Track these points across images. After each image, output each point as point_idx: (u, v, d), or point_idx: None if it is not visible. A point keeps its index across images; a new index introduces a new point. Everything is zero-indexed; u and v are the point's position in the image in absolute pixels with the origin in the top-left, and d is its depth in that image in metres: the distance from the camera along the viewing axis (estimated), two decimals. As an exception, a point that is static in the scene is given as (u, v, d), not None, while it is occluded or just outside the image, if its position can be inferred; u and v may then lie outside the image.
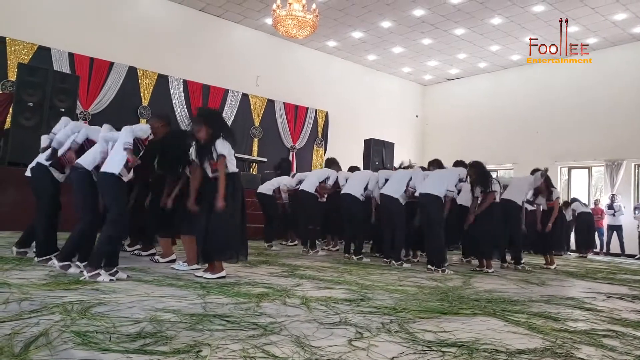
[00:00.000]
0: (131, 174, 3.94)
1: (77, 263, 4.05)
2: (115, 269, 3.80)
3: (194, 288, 3.55)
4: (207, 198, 4.09)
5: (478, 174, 6.21)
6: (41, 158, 4.38)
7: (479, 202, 6.27)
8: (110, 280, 3.65)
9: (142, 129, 4.01)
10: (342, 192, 6.77)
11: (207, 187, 4.16)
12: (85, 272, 3.67)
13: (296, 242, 8.35)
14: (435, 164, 6.71)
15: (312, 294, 3.59)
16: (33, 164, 4.46)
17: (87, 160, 3.99)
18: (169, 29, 12.44)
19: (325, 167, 7.84)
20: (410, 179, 6.21)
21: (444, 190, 5.79)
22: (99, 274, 3.65)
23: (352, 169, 8.01)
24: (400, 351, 2.23)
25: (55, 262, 4.06)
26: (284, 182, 8.00)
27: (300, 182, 7.60)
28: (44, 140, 4.56)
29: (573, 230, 11.16)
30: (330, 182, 7.16)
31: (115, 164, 3.79)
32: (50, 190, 4.33)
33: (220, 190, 3.94)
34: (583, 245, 11.28)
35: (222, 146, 4.03)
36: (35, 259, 4.30)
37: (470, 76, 17.03)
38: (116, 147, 3.89)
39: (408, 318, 2.95)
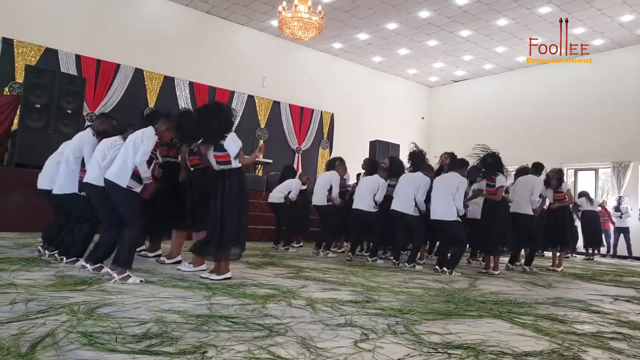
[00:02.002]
0: (148, 173, 3.92)
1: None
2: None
3: (200, 289, 3.56)
4: (215, 193, 4.13)
5: (484, 165, 6.45)
6: (74, 188, 4.38)
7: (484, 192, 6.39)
8: (140, 281, 3.71)
9: (148, 145, 3.85)
10: (353, 206, 6.75)
11: (214, 181, 4.19)
12: (115, 275, 3.71)
13: (301, 243, 8.33)
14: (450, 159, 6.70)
15: (318, 296, 3.59)
16: (65, 189, 4.44)
17: (92, 176, 4.02)
18: (174, 31, 12.49)
19: (327, 169, 7.80)
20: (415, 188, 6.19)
21: (457, 209, 5.72)
22: (129, 276, 3.72)
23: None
24: (406, 353, 2.23)
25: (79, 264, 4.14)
26: (294, 187, 7.76)
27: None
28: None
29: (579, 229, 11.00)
30: (335, 189, 7.15)
31: (123, 176, 3.79)
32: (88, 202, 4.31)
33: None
34: (589, 244, 11.17)
35: (234, 142, 4.20)
36: (88, 265, 4.15)
37: (476, 78, 16.96)
38: (120, 159, 3.87)
39: (414, 320, 2.95)
